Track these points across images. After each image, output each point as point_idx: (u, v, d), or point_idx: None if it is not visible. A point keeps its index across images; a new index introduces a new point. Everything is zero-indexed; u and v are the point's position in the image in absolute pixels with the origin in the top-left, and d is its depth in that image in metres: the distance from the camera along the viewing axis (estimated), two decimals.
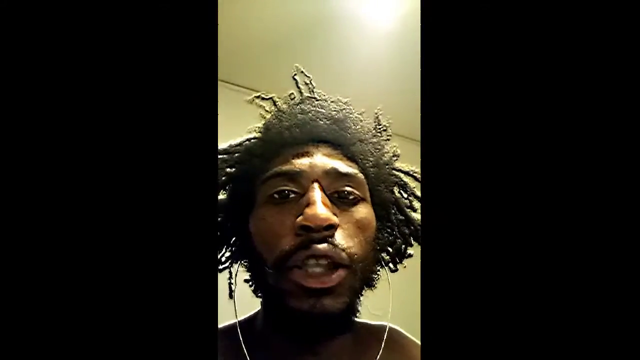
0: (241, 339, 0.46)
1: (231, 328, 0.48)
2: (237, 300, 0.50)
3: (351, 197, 0.44)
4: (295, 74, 0.52)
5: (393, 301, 0.49)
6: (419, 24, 0.34)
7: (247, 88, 1.82)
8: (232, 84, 1.83)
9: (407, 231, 0.52)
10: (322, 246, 0.40)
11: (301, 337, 0.44)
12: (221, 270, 0.52)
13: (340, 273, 0.41)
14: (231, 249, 0.53)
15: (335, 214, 0.42)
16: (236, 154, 0.51)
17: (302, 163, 0.44)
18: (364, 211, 0.45)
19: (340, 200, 0.44)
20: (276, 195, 0.44)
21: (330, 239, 0.41)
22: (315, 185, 0.43)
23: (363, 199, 0.45)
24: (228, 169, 0.51)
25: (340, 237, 0.41)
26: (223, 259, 0.53)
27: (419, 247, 0.50)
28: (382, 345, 0.48)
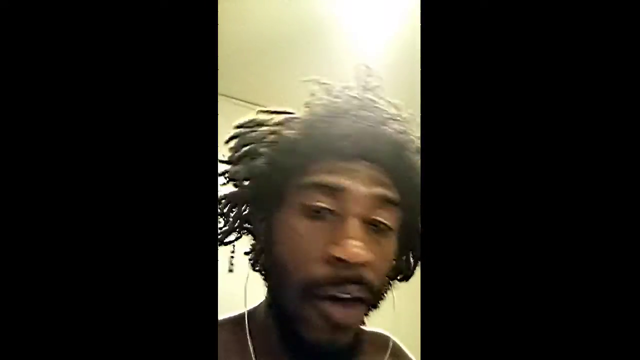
0: (247, 328, 0.45)
1: (234, 319, 0.48)
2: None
3: (383, 227, 0.42)
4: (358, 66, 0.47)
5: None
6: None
7: (246, 101, 1.83)
8: (232, 97, 1.83)
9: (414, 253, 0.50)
10: (354, 286, 0.40)
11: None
12: (224, 244, 0.49)
13: (360, 308, 0.41)
14: (239, 232, 0.49)
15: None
16: (273, 130, 0.45)
17: (347, 180, 0.40)
18: (390, 244, 0.43)
19: (372, 229, 0.41)
20: (314, 210, 0.40)
21: (362, 278, 0.40)
22: (356, 212, 0.40)
23: (392, 230, 0.43)
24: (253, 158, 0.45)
25: (370, 275, 0.40)
26: (226, 239, 0.49)
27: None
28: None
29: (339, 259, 0.39)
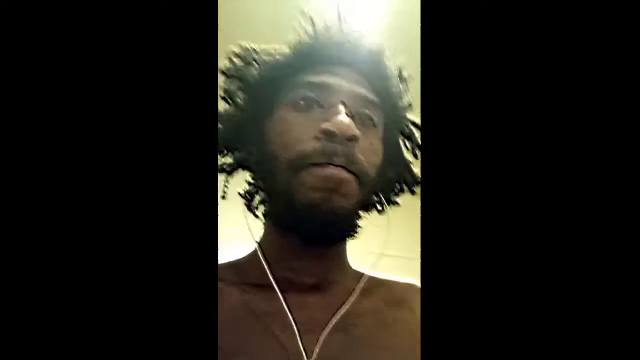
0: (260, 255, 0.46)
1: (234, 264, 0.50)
2: None
3: (369, 121, 0.46)
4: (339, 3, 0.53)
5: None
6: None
7: None
8: None
9: (406, 176, 0.53)
10: (343, 156, 0.41)
11: (307, 234, 0.44)
12: (220, 170, 0.51)
13: (353, 177, 0.42)
14: (234, 154, 0.52)
15: None
16: (263, 60, 0.50)
17: (330, 78, 0.46)
18: (377, 137, 0.47)
19: (360, 122, 0.45)
20: (301, 102, 0.44)
21: (350, 152, 0.42)
22: (341, 99, 0.44)
23: (379, 127, 0.47)
24: (247, 78, 0.50)
25: (359, 154, 0.43)
26: (221, 162, 0.52)
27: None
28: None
29: (329, 132, 0.41)
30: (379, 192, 0.52)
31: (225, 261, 0.51)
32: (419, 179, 0.53)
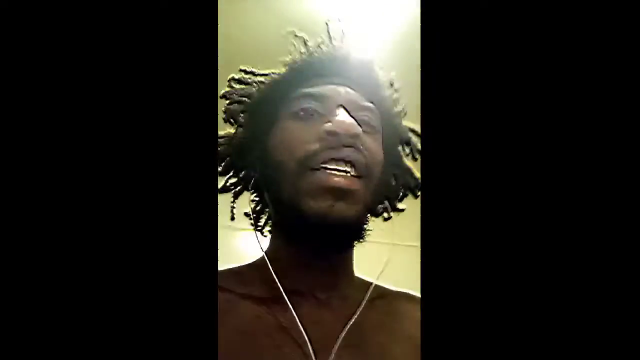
0: (270, 267, 0.45)
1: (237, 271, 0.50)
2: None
3: (368, 125, 0.47)
4: (328, 21, 0.56)
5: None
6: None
7: None
8: None
9: (408, 180, 0.55)
10: (348, 150, 0.42)
11: (316, 243, 0.44)
12: (221, 191, 0.53)
13: (358, 181, 0.43)
14: (237, 174, 0.54)
15: None
16: (260, 80, 0.53)
17: (327, 89, 0.47)
18: (378, 140, 0.48)
19: (360, 125, 0.46)
20: (302, 113, 0.46)
21: (355, 145, 0.43)
22: (340, 104, 0.46)
23: (378, 132, 0.49)
24: (246, 98, 0.53)
25: (362, 150, 0.44)
26: (228, 183, 0.54)
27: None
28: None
29: (332, 132, 0.42)
30: (384, 199, 0.53)
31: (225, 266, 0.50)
32: (420, 183, 0.55)
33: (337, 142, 0.42)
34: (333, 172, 0.42)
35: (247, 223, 0.55)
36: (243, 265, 0.51)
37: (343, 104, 0.46)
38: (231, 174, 0.54)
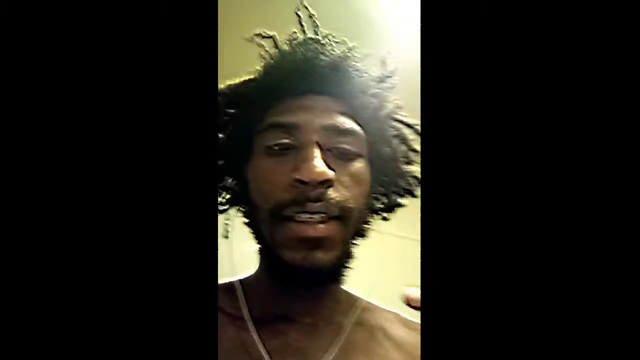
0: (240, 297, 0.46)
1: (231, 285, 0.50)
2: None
3: (348, 153, 0.44)
4: (298, 9, 0.48)
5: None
6: None
7: None
8: None
9: (402, 184, 0.52)
10: (316, 204, 0.41)
11: (293, 284, 0.45)
12: (222, 212, 0.52)
13: (332, 225, 0.42)
14: (230, 191, 0.53)
15: (331, 168, 0.42)
16: (234, 96, 0.49)
17: (300, 116, 0.43)
18: (360, 166, 0.45)
19: (337, 156, 0.44)
20: (275, 147, 0.43)
21: (324, 196, 0.41)
22: (313, 140, 0.42)
23: (360, 155, 0.45)
24: (228, 109, 0.49)
25: (334, 191, 0.42)
26: (223, 201, 0.53)
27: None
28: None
29: (300, 181, 0.41)
30: (372, 210, 0.51)
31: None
32: (419, 181, 0.51)
33: (306, 191, 0.41)
34: (306, 221, 0.41)
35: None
36: (233, 281, 0.51)
37: (318, 140, 0.42)
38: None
